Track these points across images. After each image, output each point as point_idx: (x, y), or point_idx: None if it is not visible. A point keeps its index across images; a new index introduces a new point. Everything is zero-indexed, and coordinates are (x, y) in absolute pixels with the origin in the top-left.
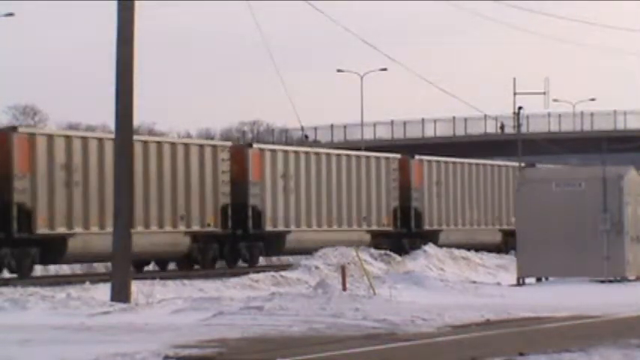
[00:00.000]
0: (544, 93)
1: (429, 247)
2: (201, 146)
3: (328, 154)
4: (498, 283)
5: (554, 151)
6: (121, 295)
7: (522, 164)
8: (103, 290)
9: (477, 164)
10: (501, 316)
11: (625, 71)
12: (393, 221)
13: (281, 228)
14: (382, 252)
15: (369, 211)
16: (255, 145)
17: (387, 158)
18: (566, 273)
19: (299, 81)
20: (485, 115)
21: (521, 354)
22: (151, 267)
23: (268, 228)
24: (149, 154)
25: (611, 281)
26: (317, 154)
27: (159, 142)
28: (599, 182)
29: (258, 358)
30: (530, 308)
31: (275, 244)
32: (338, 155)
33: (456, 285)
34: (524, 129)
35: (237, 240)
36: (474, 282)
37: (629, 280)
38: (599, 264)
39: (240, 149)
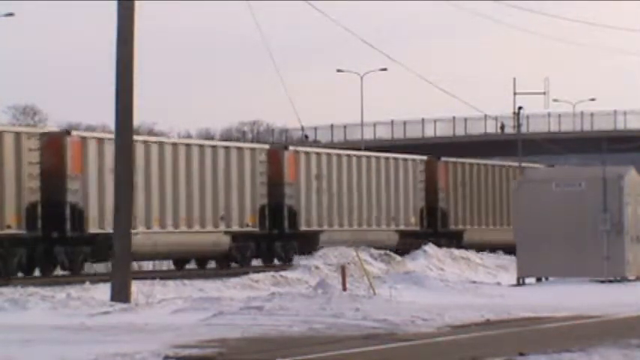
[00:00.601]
0: (544, 93)
1: (429, 247)
2: None
3: (175, 144)
4: (498, 283)
5: (554, 151)
6: (121, 295)
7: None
8: (103, 290)
9: (367, 157)
10: (501, 316)
11: (625, 71)
12: (260, 221)
13: (111, 230)
14: (382, 252)
15: (228, 209)
16: (74, 133)
17: (253, 149)
18: (566, 273)
19: (299, 81)
20: (486, 115)
21: (521, 354)
22: None
23: (92, 230)
24: None
25: (611, 281)
26: (160, 143)
27: None
28: (599, 182)
29: (258, 358)
30: (530, 308)
31: (103, 248)
32: (187, 145)
33: (456, 285)
34: (524, 129)
35: (54, 243)
36: (474, 282)
37: (629, 280)
38: (599, 264)
39: (56, 138)
